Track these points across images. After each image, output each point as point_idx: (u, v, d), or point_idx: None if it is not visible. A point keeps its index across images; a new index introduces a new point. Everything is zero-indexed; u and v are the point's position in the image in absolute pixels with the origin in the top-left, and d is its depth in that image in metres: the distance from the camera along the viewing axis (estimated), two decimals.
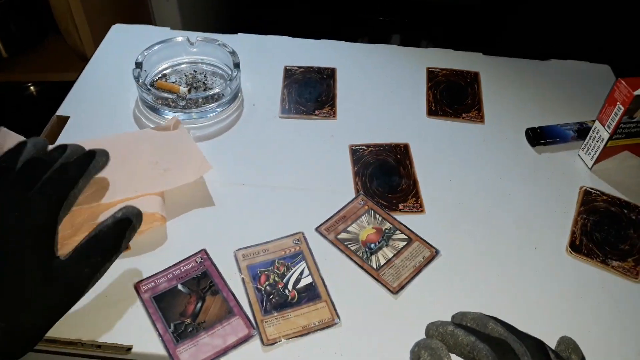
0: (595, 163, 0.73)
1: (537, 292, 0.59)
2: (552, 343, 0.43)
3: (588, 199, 0.69)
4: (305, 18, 1.62)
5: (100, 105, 0.78)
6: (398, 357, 0.52)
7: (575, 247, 0.63)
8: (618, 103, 0.67)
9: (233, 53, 0.79)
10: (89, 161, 0.53)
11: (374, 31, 1.72)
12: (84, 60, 0.87)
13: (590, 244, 0.64)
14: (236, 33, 0.92)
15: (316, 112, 0.78)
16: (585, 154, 0.74)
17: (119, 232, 0.50)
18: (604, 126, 0.70)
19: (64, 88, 0.81)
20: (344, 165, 0.71)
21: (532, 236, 0.64)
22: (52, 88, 1.32)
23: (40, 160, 0.52)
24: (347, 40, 0.93)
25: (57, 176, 0.50)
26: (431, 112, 0.80)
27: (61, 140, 0.72)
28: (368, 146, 0.74)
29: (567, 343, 0.43)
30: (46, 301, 0.45)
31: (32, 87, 1.42)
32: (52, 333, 0.51)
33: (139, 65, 0.77)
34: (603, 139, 0.70)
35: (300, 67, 0.86)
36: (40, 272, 0.45)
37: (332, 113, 0.78)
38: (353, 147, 0.73)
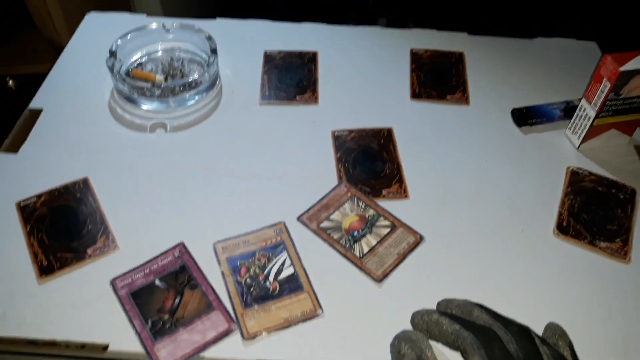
0: (582, 142, 0.71)
1: (524, 276, 0.58)
2: (539, 327, 0.42)
3: (575, 179, 0.68)
4: (293, 2, 1.60)
5: (74, 96, 0.75)
6: (382, 347, 0.51)
7: (562, 228, 0.62)
8: (604, 79, 0.65)
9: (209, 38, 0.77)
10: None
11: (361, 15, 1.70)
12: (61, 51, 0.84)
13: (578, 225, 0.63)
14: (216, 18, 0.89)
15: (297, 97, 0.76)
16: (572, 133, 0.73)
17: None
18: (590, 104, 0.69)
19: (43, 81, 0.78)
20: (327, 151, 0.69)
21: (518, 218, 0.63)
22: (30, 81, 1.29)
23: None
24: (333, 24, 0.90)
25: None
26: (415, 95, 0.78)
27: (34, 134, 0.70)
28: (351, 131, 0.72)
29: (554, 329, 0.42)
30: None
31: (10, 81, 1.38)
32: (25, 333, 0.50)
33: (113, 54, 0.74)
34: (590, 117, 0.69)
35: (280, 52, 0.83)
36: None
37: (313, 98, 0.76)
38: (335, 133, 0.72)
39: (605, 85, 0.65)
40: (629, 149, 0.73)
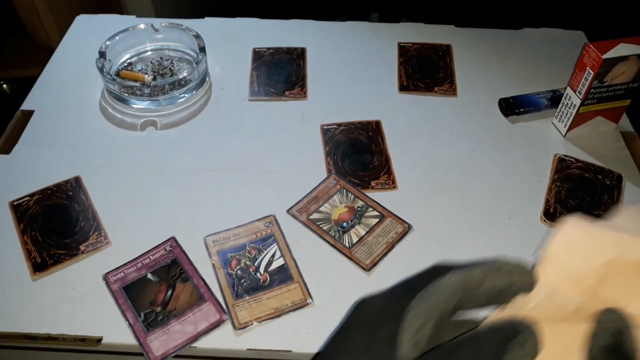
0: (568, 130, 0.72)
1: None
2: None
3: (562, 166, 0.68)
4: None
5: (65, 97, 0.76)
6: None
7: (549, 215, 0.63)
8: (587, 68, 0.66)
9: (197, 37, 0.78)
10: None
11: (353, 10, 1.70)
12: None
13: (565, 211, 0.63)
14: (205, 17, 0.90)
15: (286, 93, 0.77)
16: (558, 121, 0.73)
17: None
18: (575, 92, 0.69)
19: None
20: (316, 145, 0.70)
21: (506, 206, 0.64)
22: (24, 84, 1.30)
23: None
24: (326, 20, 0.91)
25: None
26: (403, 88, 0.79)
27: (26, 135, 0.70)
28: (339, 125, 0.73)
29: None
30: None
31: (4, 85, 1.39)
32: (21, 329, 0.51)
33: (102, 55, 0.75)
34: (575, 105, 0.70)
35: (269, 49, 0.84)
36: None
37: (302, 93, 0.77)
38: (324, 127, 0.72)
39: (589, 74, 0.66)
40: (616, 135, 0.73)
